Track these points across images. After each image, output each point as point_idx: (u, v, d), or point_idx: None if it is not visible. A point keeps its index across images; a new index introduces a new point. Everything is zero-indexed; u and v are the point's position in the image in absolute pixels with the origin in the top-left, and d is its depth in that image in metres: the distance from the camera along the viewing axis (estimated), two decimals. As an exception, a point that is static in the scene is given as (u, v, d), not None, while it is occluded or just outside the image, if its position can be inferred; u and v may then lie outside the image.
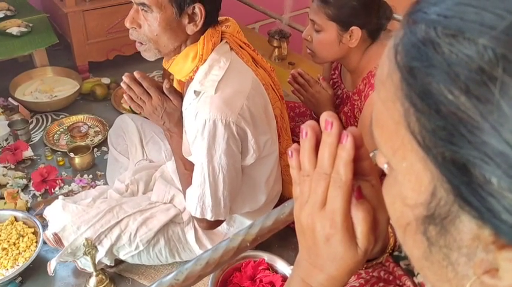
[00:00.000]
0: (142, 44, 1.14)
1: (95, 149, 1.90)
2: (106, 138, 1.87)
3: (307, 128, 0.43)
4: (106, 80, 2.28)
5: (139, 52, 1.18)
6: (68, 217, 1.25)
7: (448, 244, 0.31)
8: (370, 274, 0.54)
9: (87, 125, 2.03)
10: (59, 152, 1.87)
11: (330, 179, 0.41)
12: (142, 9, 1.07)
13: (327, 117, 0.41)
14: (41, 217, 1.46)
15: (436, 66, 0.27)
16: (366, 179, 0.43)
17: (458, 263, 0.31)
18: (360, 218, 0.42)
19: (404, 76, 0.29)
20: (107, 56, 2.32)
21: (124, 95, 1.21)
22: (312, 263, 0.46)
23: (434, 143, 0.28)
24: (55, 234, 1.24)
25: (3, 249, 1.37)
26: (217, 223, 1.26)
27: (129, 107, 2.12)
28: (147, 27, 1.09)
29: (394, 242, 0.56)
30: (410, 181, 0.31)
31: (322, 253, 0.44)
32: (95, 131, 2.02)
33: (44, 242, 1.38)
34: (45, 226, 1.38)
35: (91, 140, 1.95)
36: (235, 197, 1.23)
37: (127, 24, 1.11)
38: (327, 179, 0.41)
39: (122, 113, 1.92)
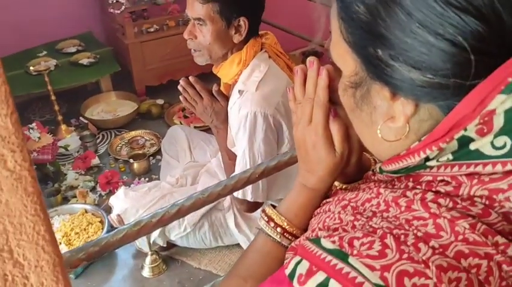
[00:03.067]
0: (196, 50, 1.37)
1: (151, 157, 2.19)
2: (160, 149, 2.14)
3: (297, 69, 0.62)
4: (160, 101, 2.60)
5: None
6: (129, 202, 1.50)
7: (367, 102, 0.48)
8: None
9: (144, 138, 2.33)
10: (121, 161, 2.17)
11: (313, 102, 0.59)
12: (198, 23, 1.32)
13: (309, 59, 0.60)
14: (106, 210, 1.73)
15: None
16: (341, 107, 0.58)
17: (372, 114, 0.48)
18: (335, 130, 0.58)
19: (339, 3, 0.48)
20: (161, 81, 2.64)
21: (180, 97, 1.46)
22: (306, 169, 0.63)
23: (353, 39, 0.46)
24: (118, 215, 1.48)
25: (76, 233, 1.64)
26: (256, 206, 1.43)
27: (179, 121, 2.43)
28: (201, 38, 1.33)
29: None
30: (346, 68, 0.49)
31: (311, 158, 0.61)
32: (150, 143, 2.31)
33: (109, 229, 1.63)
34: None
35: (147, 151, 2.24)
36: (272, 184, 1.41)
37: (185, 35, 1.35)
38: (311, 102, 0.59)
39: (174, 127, 2.18)
